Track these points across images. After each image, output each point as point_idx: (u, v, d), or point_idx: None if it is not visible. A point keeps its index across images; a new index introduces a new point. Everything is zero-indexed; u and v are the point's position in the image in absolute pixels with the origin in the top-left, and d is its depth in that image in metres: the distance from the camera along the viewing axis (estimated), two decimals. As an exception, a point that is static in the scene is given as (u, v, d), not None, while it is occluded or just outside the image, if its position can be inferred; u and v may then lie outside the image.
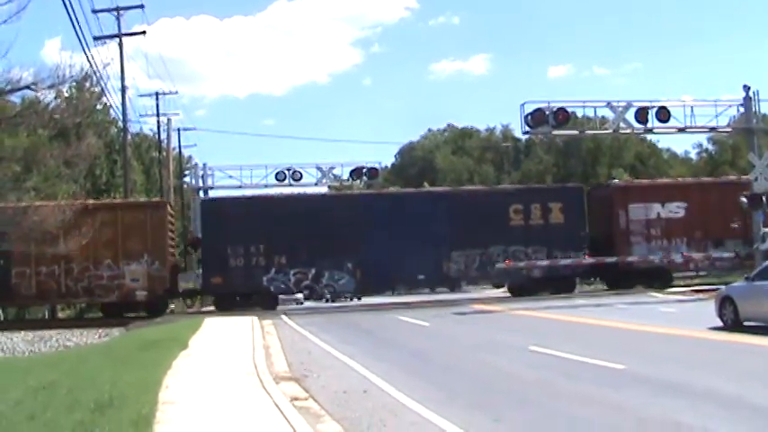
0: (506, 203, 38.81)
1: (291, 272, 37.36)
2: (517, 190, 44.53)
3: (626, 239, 39.16)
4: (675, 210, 39.71)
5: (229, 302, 36.44)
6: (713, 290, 27.06)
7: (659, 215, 39.61)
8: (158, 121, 55.82)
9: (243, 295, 36.77)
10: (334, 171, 51.89)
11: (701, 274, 44.20)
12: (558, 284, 38.07)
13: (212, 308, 39.57)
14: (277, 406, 11.00)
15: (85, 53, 36.76)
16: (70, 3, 42.68)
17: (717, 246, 38.89)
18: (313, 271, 37.60)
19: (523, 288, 38.96)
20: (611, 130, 38.32)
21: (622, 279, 39.08)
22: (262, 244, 36.94)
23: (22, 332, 29.99)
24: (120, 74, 43.85)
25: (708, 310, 21.70)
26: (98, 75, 39.72)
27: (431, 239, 37.19)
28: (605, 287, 41.64)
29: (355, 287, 40.31)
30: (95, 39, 41.33)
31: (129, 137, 47.20)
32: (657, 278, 38.41)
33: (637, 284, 38.18)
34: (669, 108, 35.48)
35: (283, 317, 31.83)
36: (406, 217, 37.47)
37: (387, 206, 38.84)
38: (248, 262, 36.93)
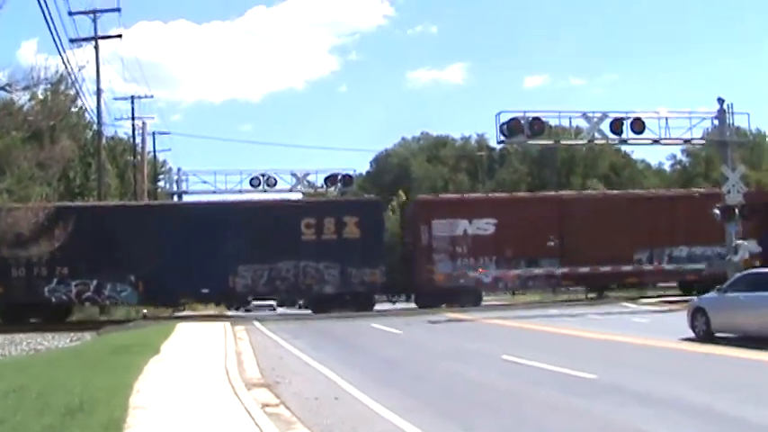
0: (298, 217, 37.97)
1: (73, 283, 36.28)
2: (309, 203, 43.67)
3: (428, 257, 38.21)
4: (484, 226, 38.71)
5: (13, 314, 35.32)
6: (685, 301, 27.25)
7: (466, 232, 38.64)
8: (133, 125, 55.72)
9: (25, 306, 35.55)
10: (309, 177, 51.72)
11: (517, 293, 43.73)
12: (355, 301, 37.29)
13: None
14: (248, 412, 10.96)
15: (61, 55, 36.83)
16: (46, 4, 42.53)
17: (530, 265, 38.45)
18: (95, 282, 36.54)
19: (319, 305, 38.16)
20: (585, 141, 38.33)
21: (428, 298, 38.32)
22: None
23: (-8, 335, 29.70)
24: (95, 77, 43.65)
25: (680, 321, 21.86)
26: (73, 77, 39.62)
27: (217, 253, 36.40)
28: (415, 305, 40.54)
29: (138, 299, 38.94)
30: (71, 41, 41.17)
31: (104, 140, 46.93)
32: (465, 298, 37.79)
33: (442, 303, 37.43)
34: (644, 119, 35.54)
35: (256, 323, 31.79)
36: (193, 229, 36.48)
37: (173, 218, 37.97)
38: (30, 272, 35.58)
